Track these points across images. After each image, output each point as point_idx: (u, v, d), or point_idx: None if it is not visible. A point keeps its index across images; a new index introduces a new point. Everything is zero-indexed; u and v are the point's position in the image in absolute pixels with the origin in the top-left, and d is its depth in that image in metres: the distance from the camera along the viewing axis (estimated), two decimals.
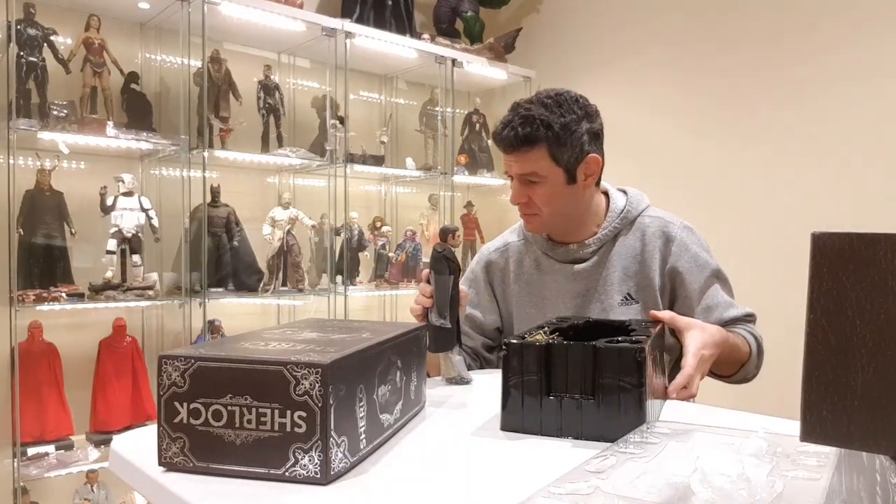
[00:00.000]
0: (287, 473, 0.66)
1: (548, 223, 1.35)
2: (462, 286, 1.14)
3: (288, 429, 0.65)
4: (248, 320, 2.65)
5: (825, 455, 0.65)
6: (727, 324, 1.29)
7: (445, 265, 1.10)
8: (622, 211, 1.37)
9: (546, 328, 0.97)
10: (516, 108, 1.29)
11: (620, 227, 1.36)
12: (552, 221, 1.35)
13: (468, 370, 1.38)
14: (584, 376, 0.82)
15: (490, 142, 3.23)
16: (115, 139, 2.13)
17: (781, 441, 0.69)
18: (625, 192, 1.43)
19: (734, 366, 1.28)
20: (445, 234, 1.11)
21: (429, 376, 1.03)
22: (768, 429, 0.73)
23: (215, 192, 2.39)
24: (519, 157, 1.28)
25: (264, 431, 0.66)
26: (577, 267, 1.36)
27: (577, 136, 1.27)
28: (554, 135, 1.25)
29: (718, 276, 1.33)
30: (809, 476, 0.60)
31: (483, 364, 1.45)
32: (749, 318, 1.34)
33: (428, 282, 1.12)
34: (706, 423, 0.84)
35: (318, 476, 0.65)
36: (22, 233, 2.01)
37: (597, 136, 1.31)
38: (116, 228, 2.14)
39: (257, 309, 2.71)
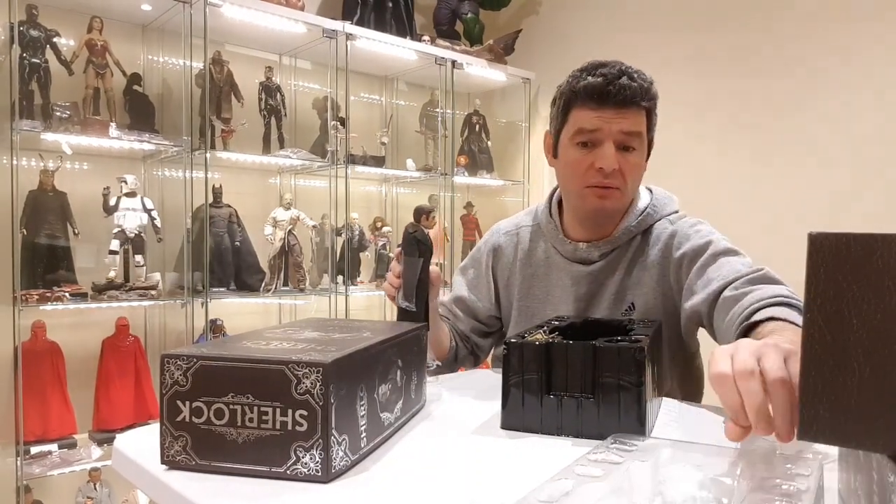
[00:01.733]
0: (288, 472, 0.66)
1: (623, 202, 1.20)
2: (464, 264, 1.06)
3: (289, 427, 0.66)
4: (250, 320, 2.66)
5: (822, 454, 0.65)
6: (718, 296, 1.04)
7: (415, 247, 1.04)
8: (642, 212, 1.23)
9: (545, 327, 0.97)
10: (611, 65, 1.13)
11: (636, 231, 1.22)
12: (626, 202, 1.21)
13: (455, 353, 1.35)
14: (584, 375, 0.83)
15: (490, 142, 3.24)
16: (117, 140, 2.14)
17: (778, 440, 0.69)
18: (650, 190, 1.29)
19: None
20: (419, 214, 1.08)
21: None
22: None
23: (217, 193, 2.40)
24: (629, 113, 1.12)
25: (266, 430, 0.66)
26: (583, 269, 1.24)
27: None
28: (655, 100, 1.14)
29: (724, 253, 1.11)
30: (807, 475, 0.60)
31: (474, 349, 1.39)
32: (755, 278, 1.02)
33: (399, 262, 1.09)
34: (687, 427, 0.82)
35: (320, 474, 0.66)
36: (25, 233, 2.02)
37: None
38: (119, 229, 2.15)
39: (259, 308, 2.72)
